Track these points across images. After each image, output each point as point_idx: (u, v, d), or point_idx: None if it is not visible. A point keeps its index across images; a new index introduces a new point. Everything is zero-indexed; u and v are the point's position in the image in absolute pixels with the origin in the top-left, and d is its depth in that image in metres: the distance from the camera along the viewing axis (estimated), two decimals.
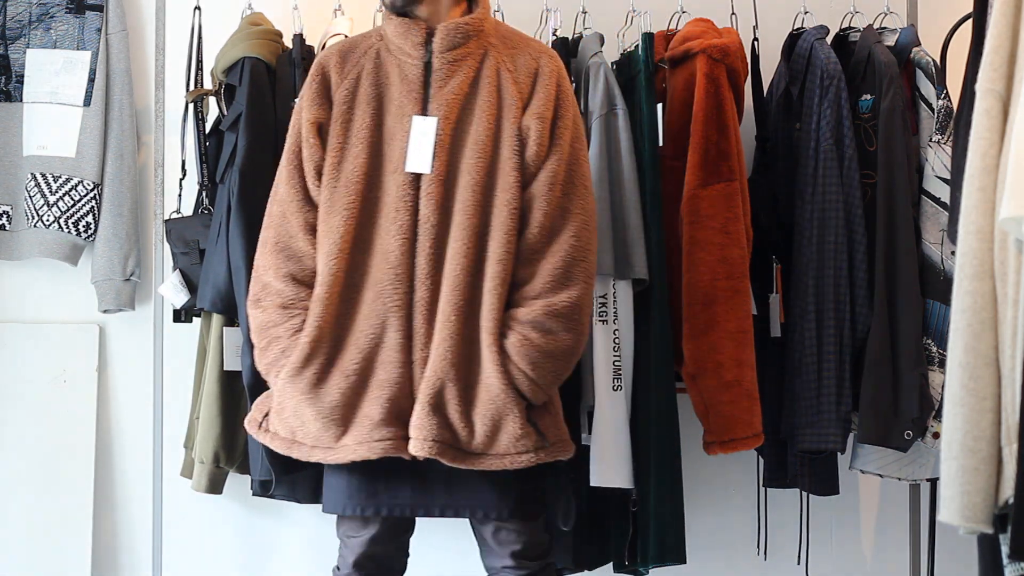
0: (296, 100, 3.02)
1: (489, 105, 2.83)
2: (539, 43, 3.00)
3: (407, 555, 2.97)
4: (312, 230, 2.83)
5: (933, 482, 3.58)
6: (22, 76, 3.73)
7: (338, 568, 2.91)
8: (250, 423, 2.89)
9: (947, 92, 3.43)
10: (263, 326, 2.83)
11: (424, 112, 2.82)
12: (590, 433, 3.28)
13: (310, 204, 2.84)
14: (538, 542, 2.89)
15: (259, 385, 3.24)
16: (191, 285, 3.52)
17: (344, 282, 2.78)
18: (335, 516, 2.88)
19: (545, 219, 2.79)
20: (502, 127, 2.82)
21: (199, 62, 3.66)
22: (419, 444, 2.70)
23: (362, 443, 2.71)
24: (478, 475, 2.76)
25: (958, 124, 2.82)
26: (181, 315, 3.59)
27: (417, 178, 2.79)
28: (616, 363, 3.29)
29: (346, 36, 3.37)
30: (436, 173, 2.78)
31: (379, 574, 2.90)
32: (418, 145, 2.79)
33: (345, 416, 2.74)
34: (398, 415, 2.71)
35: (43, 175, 3.69)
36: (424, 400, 2.70)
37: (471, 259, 2.75)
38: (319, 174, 2.84)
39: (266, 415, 2.85)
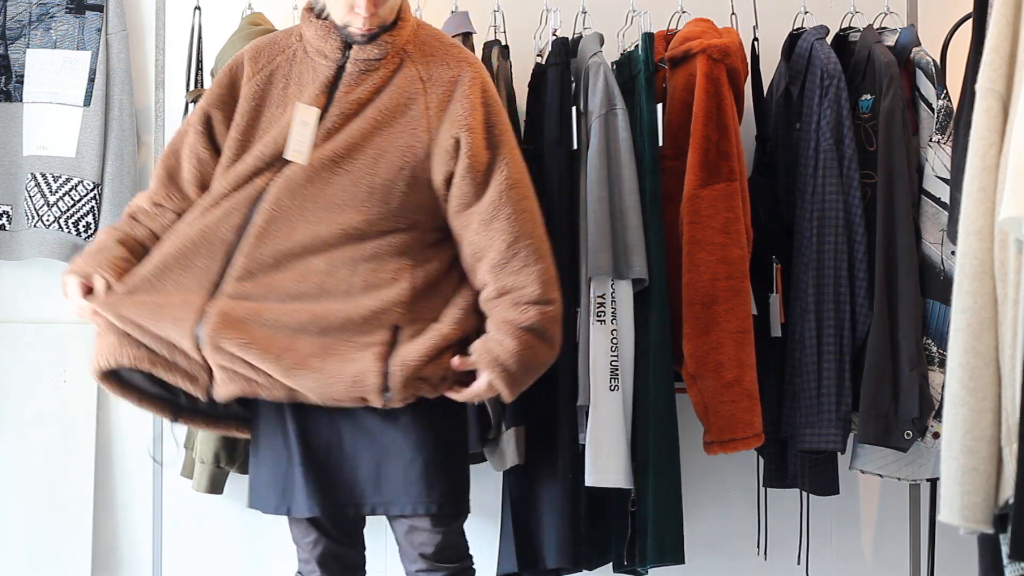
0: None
1: (386, 113, 2.73)
2: (460, 50, 2.85)
3: (364, 549, 2.94)
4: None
5: (933, 482, 3.58)
6: (22, 76, 3.73)
7: (300, 574, 2.89)
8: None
9: (947, 92, 3.43)
10: None
11: (323, 110, 2.74)
12: (587, 433, 3.29)
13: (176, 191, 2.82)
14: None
15: None
16: None
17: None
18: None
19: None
20: (397, 136, 2.73)
21: (199, 62, 3.66)
22: None
23: None
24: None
25: (958, 124, 2.82)
26: None
27: (287, 166, 2.72)
28: (614, 363, 3.29)
29: None
30: (311, 167, 2.71)
31: (343, 573, 2.88)
32: (298, 134, 2.73)
33: None
34: None
35: (43, 175, 3.69)
36: None
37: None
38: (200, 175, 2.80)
39: None
